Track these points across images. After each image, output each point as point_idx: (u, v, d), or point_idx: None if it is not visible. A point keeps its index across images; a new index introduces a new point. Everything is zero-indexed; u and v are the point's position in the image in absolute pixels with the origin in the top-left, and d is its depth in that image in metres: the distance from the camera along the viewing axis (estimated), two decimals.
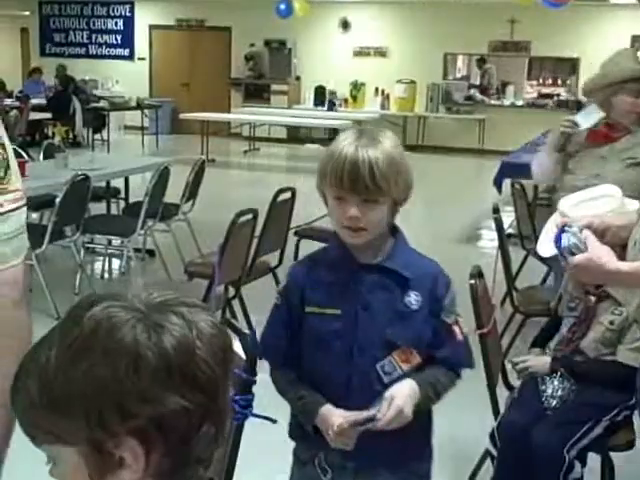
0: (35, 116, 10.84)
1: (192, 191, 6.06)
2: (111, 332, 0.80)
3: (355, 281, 1.71)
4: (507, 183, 6.12)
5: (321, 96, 14.38)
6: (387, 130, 1.75)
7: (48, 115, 10.66)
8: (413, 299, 1.70)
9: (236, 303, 4.34)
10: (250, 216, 4.25)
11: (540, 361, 2.76)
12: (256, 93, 15.05)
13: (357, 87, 14.34)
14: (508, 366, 2.90)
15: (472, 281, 2.67)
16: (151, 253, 6.09)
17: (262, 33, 14.79)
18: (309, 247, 5.35)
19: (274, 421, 1.51)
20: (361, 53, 14.53)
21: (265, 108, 13.91)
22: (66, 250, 5.38)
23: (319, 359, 1.73)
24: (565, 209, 2.52)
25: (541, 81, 14.07)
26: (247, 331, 1.70)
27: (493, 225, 4.29)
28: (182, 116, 12.84)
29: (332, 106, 13.67)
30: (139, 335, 0.80)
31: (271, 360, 1.79)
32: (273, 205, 4.60)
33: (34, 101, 11.43)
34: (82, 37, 17.07)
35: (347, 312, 1.70)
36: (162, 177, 5.73)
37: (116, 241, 5.68)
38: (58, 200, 4.93)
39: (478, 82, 14.19)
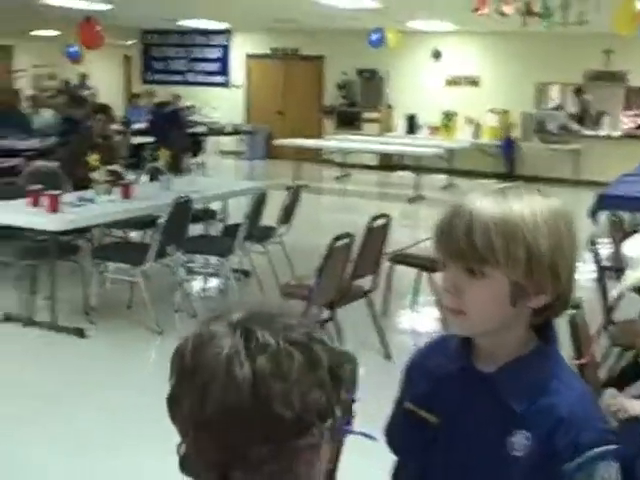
0: (136, 140, 11.29)
1: (288, 215, 6.23)
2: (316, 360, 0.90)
3: (460, 386, 1.26)
4: (603, 214, 6.05)
5: (412, 124, 14.49)
6: (547, 195, 1.22)
7: (149, 139, 11.09)
8: (519, 440, 1.18)
9: (330, 325, 4.43)
10: (347, 240, 4.36)
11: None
12: (348, 120, 15.24)
13: (449, 116, 14.37)
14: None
15: (571, 312, 2.68)
16: (246, 273, 6.27)
17: (354, 62, 15.02)
18: (402, 273, 5.46)
19: (374, 438, 1.30)
20: (452, 82, 14.56)
21: (357, 135, 14.09)
22: (167, 268, 5.61)
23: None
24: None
25: (638, 112, 13.76)
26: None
27: (590, 257, 4.26)
28: (276, 142, 13.12)
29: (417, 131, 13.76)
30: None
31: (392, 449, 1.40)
32: (369, 230, 4.70)
33: (136, 126, 11.91)
34: (181, 65, 17.69)
35: (444, 423, 1.26)
36: (259, 201, 5.92)
37: (214, 261, 5.88)
38: (163, 220, 5.16)
39: (573, 112, 13.99)
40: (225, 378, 0.85)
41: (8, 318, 5.11)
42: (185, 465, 0.91)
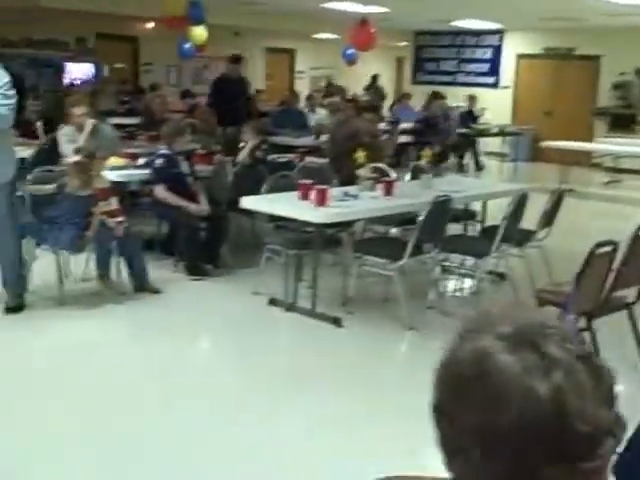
0: (402, 139, 11.57)
1: (549, 219, 6.06)
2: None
3: None
4: None
5: None
6: None
7: (414, 139, 11.33)
8: None
9: (586, 336, 4.26)
10: (609, 248, 4.16)
11: None
12: (622, 123, 14.40)
13: None
14: None
15: None
16: (502, 276, 6.19)
17: (634, 62, 14.13)
18: None
19: None
20: None
21: (631, 139, 13.25)
22: (423, 265, 5.71)
23: None
24: None
25: None
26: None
27: None
28: (543, 144, 12.75)
29: None
30: None
31: None
32: (635, 238, 4.45)
33: (403, 125, 12.19)
34: (451, 66, 17.76)
35: None
36: (520, 203, 5.81)
37: (470, 261, 5.89)
38: (422, 218, 5.26)
39: None
40: (523, 394, 0.83)
41: (273, 302, 5.51)
42: None
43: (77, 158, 5.42)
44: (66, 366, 4.34)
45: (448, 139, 11.90)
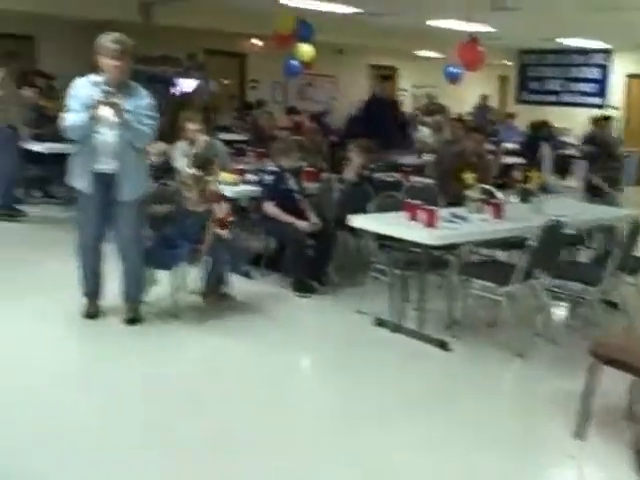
0: (507, 160, 11.40)
1: None
2: None
3: None
4: None
5: None
6: None
7: (519, 160, 11.13)
8: None
9: None
10: None
11: None
12: None
13: None
14: None
15: None
16: (614, 305, 6.00)
17: None
18: None
19: None
20: None
21: None
22: (531, 291, 5.59)
23: None
24: None
25: None
26: None
27: None
28: None
29: None
30: None
31: None
32: None
33: (507, 145, 12.03)
34: (557, 85, 17.42)
35: None
36: (634, 230, 5.63)
37: (581, 288, 5.73)
38: (532, 243, 5.16)
39: None
40: None
41: (378, 322, 5.51)
42: None
43: (193, 171, 5.57)
44: (183, 377, 4.45)
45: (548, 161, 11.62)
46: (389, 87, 9.54)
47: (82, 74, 5.00)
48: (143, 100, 4.97)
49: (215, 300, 5.70)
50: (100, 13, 11.92)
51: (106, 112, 4.78)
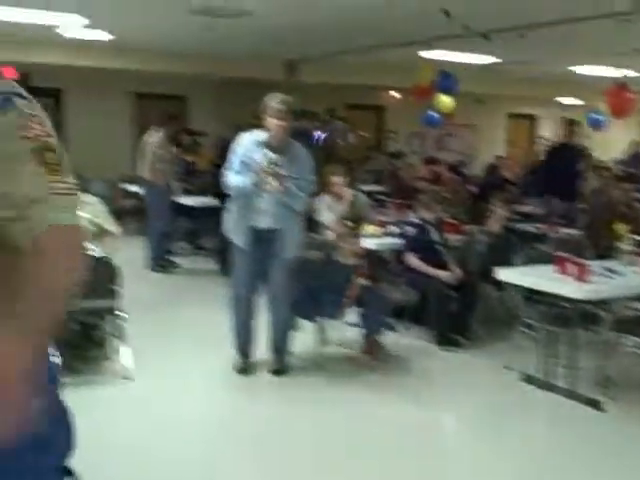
0: None
1: None
2: None
3: None
4: None
5: None
6: None
7: None
8: None
9: None
10: None
11: None
12: None
13: None
14: None
15: None
16: None
17: None
18: None
19: None
20: None
21: None
22: None
23: None
24: None
25: None
26: None
27: None
28: None
29: None
30: None
31: None
32: None
33: None
34: None
35: None
36: None
37: None
38: None
39: None
40: None
41: (526, 379, 5.34)
42: None
43: (342, 226, 5.68)
44: (323, 429, 4.47)
45: None
46: (575, 131, 9.18)
47: (228, 130, 5.23)
48: (305, 164, 5.14)
49: (368, 353, 5.70)
50: (247, 72, 12.48)
51: (270, 180, 4.96)
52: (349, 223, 5.72)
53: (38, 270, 1.14)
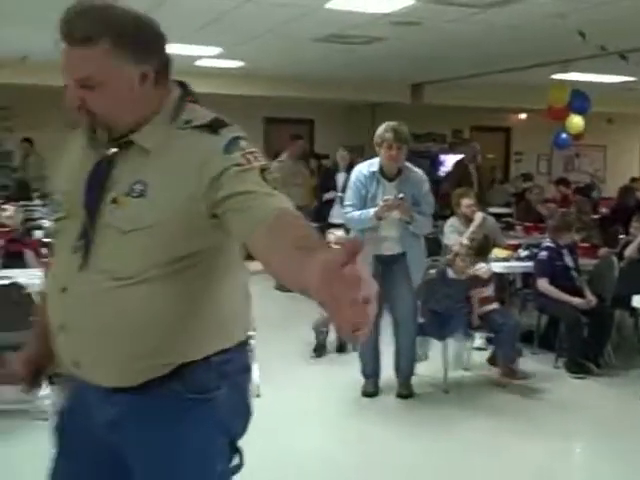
0: None
1: None
2: None
3: None
4: None
5: None
6: None
7: None
8: None
9: None
10: None
11: None
12: None
13: None
14: None
15: None
16: None
17: None
18: None
19: None
20: None
21: None
22: None
23: None
24: None
25: None
26: None
27: None
28: None
29: None
30: None
31: None
32: None
33: None
34: None
35: None
36: None
37: None
38: None
39: None
40: None
41: None
42: None
43: (466, 242, 5.69)
44: (452, 454, 4.47)
45: None
46: None
47: (353, 153, 5.27)
48: (422, 187, 5.12)
49: (503, 377, 5.65)
50: (373, 96, 12.63)
51: (389, 209, 4.96)
52: (476, 249, 5.71)
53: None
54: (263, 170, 1.66)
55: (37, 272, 5.18)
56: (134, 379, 1.75)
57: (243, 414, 1.93)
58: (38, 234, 6.84)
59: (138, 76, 1.70)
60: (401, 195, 4.97)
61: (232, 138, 1.71)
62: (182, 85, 1.87)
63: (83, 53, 1.65)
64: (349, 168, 8.24)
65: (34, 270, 5.36)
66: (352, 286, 1.12)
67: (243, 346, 1.89)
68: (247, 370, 1.97)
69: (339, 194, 8.39)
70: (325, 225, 8.35)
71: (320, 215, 9.06)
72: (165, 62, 1.77)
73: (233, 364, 1.84)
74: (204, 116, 1.78)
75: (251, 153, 1.70)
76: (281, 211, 1.53)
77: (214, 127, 1.73)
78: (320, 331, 6.22)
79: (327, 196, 9.18)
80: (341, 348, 6.29)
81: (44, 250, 6.03)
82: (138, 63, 1.69)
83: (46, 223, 7.79)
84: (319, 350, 6.27)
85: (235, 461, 1.89)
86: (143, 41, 1.69)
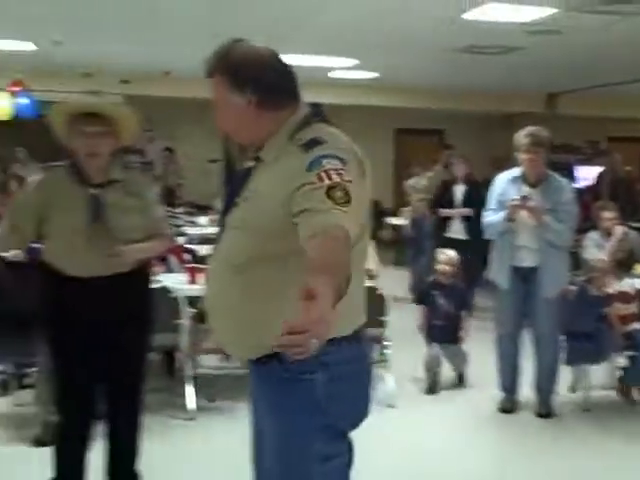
0: None
1: None
2: None
3: None
4: None
5: None
6: None
7: None
8: None
9: None
10: None
11: None
12: None
13: None
14: None
15: None
16: None
17: None
18: None
19: None
20: None
21: None
22: None
23: None
24: None
25: None
26: None
27: None
28: None
29: None
30: None
31: None
32: None
33: None
34: None
35: None
36: None
37: None
38: None
39: None
40: None
41: None
42: None
43: (607, 264, 5.49)
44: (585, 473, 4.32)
45: None
46: None
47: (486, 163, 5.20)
48: (563, 195, 4.97)
49: (627, 398, 5.46)
50: (507, 107, 12.44)
51: (523, 214, 4.89)
52: (618, 265, 5.50)
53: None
54: (330, 188, 1.78)
55: (181, 277, 5.41)
56: (249, 353, 2.11)
57: (349, 403, 2.07)
58: (181, 240, 7.09)
59: (245, 102, 2.01)
60: (525, 194, 4.89)
61: (317, 157, 1.87)
62: (315, 106, 2.11)
63: (210, 83, 2.07)
64: (468, 180, 8.05)
65: (178, 275, 5.58)
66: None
67: (349, 340, 2.04)
68: (353, 362, 2.08)
69: (458, 210, 8.00)
70: (443, 240, 7.76)
71: (439, 229, 8.32)
72: (269, 91, 2.02)
73: (333, 355, 1.95)
74: (311, 135, 1.98)
75: (328, 171, 1.82)
76: (322, 229, 1.71)
77: (309, 146, 1.92)
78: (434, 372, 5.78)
79: (444, 212, 8.23)
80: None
81: (186, 256, 6.28)
82: (242, 92, 2.01)
83: (188, 230, 8.11)
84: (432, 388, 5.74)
85: (341, 448, 2.10)
86: (243, 76, 2.00)
